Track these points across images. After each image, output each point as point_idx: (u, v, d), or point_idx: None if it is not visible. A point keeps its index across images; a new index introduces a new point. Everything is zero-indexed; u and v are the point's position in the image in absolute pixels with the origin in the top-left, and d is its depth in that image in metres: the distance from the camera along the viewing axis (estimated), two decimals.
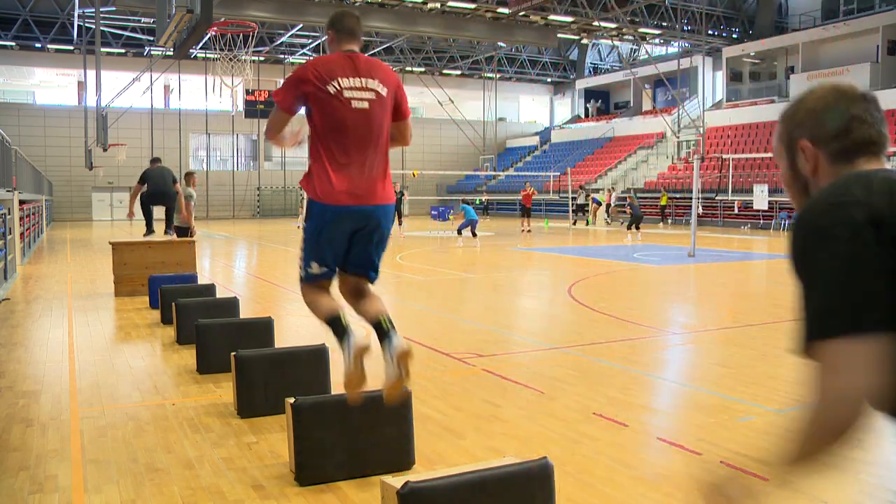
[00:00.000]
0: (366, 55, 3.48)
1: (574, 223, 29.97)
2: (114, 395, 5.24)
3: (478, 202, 39.34)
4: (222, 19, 23.15)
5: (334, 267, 3.41)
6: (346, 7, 28.45)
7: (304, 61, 30.30)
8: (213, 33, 21.36)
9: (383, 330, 3.25)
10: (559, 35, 35.09)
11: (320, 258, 3.35)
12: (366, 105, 3.29)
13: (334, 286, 3.41)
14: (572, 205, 30.75)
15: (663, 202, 32.32)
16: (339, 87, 3.24)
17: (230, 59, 21.76)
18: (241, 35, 21.77)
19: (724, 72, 37.77)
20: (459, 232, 20.34)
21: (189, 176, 11.90)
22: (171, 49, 15.51)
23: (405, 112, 3.49)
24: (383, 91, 3.35)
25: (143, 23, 34.05)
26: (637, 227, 21.22)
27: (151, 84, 36.39)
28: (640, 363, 6.23)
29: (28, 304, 9.60)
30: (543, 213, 35.53)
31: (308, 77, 3.26)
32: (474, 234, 19.99)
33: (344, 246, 3.36)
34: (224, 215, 40.55)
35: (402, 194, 24.39)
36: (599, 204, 32.64)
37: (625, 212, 26.73)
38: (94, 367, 6.07)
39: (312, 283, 3.39)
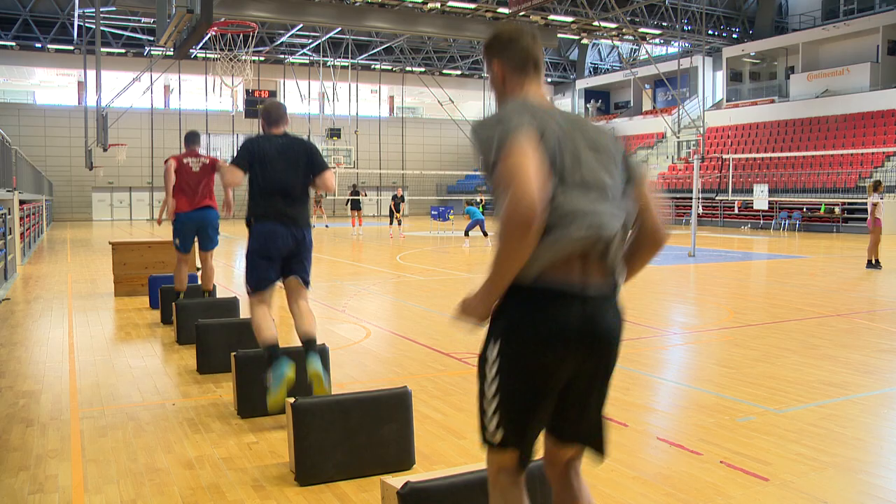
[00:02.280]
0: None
1: None
2: (114, 395, 5.24)
3: (477, 201, 39.36)
4: (222, 19, 23.14)
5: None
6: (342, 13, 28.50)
7: (304, 61, 30.44)
8: (214, 33, 21.37)
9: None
10: (559, 35, 35.06)
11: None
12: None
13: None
14: None
15: None
16: None
17: (230, 59, 21.76)
18: (241, 35, 21.78)
19: (724, 72, 37.77)
20: (466, 233, 20.30)
21: None
22: (172, 49, 15.51)
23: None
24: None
25: (143, 23, 34.03)
26: None
27: (151, 84, 36.40)
28: (640, 363, 6.23)
29: (28, 304, 9.60)
30: None
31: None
32: (485, 234, 20.00)
33: None
34: (224, 215, 40.55)
35: (403, 199, 24.39)
36: None
37: None
38: (94, 367, 6.08)
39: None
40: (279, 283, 4.62)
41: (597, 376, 2.21)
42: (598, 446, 2.23)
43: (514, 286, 2.01)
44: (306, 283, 4.64)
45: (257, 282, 4.51)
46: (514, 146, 1.92)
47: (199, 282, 7.92)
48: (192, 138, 7.72)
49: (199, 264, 9.97)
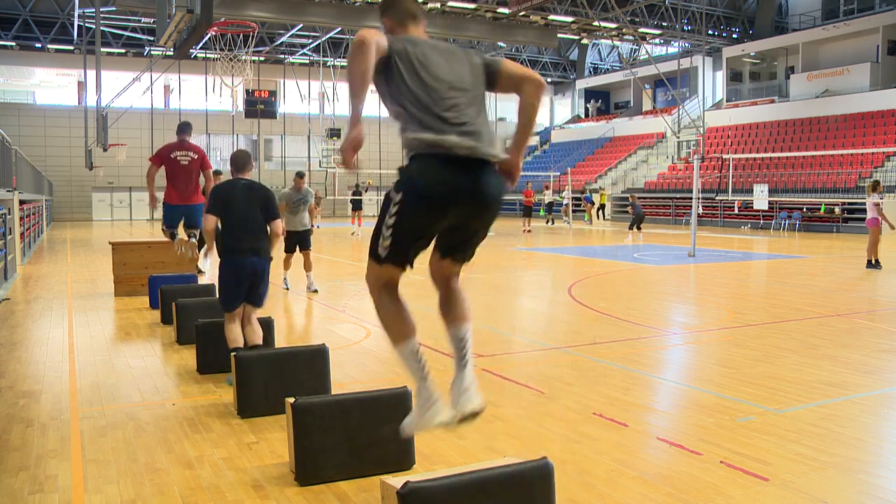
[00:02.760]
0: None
1: (548, 222, 30.36)
2: (114, 395, 5.24)
3: None
4: (222, 19, 23.14)
5: None
6: (344, 11, 28.46)
7: (304, 61, 30.45)
8: (213, 33, 21.37)
9: None
10: (559, 35, 35.07)
11: None
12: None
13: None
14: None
15: (602, 201, 33.12)
16: None
17: (230, 59, 21.76)
18: (241, 35, 21.78)
19: (724, 72, 37.78)
20: None
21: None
22: (172, 49, 15.51)
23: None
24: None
25: (143, 23, 34.03)
26: (638, 227, 21.23)
27: (151, 84, 36.40)
28: (640, 363, 6.23)
29: (28, 304, 9.60)
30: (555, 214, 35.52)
31: None
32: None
33: None
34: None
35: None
36: (592, 203, 32.92)
37: (627, 211, 26.78)
38: (94, 367, 6.08)
39: None
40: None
41: (481, 224, 2.98)
42: (469, 259, 3.15)
43: (414, 153, 2.75)
44: (259, 305, 5.60)
45: (230, 303, 5.43)
46: (368, 33, 2.65)
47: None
48: (182, 128, 8.16)
49: (199, 266, 10.04)
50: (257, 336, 5.51)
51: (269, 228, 5.53)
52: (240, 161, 5.67)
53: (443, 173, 2.72)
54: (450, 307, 3.19)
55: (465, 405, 2.92)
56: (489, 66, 3.01)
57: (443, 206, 2.76)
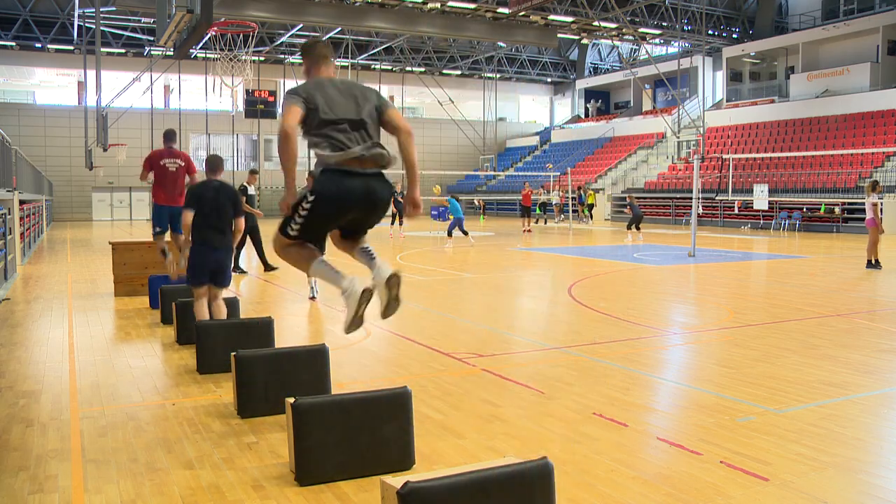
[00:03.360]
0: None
1: (537, 222, 30.39)
2: (114, 395, 5.24)
3: (475, 202, 39.47)
4: (222, 19, 23.15)
5: None
6: (343, 6, 28.46)
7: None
8: (213, 33, 21.36)
9: None
10: (559, 35, 35.08)
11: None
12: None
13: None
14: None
15: (591, 200, 33.25)
16: None
17: (230, 59, 21.75)
18: (241, 35, 21.77)
19: (724, 72, 37.79)
20: (449, 234, 20.10)
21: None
22: (172, 49, 15.51)
23: None
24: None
25: (143, 23, 34.05)
26: (637, 228, 21.23)
27: (151, 84, 36.41)
28: (640, 363, 6.23)
29: (28, 304, 9.60)
30: (549, 214, 35.54)
31: None
32: (465, 233, 19.78)
33: None
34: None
35: (402, 195, 24.34)
36: (583, 203, 33.06)
37: (624, 212, 26.82)
38: (94, 367, 6.08)
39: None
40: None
41: (370, 220, 3.82)
42: (363, 235, 3.95)
43: (324, 168, 3.60)
44: (222, 286, 6.63)
45: (198, 283, 6.47)
46: (288, 103, 3.57)
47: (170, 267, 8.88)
48: (168, 136, 8.89)
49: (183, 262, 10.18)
50: (221, 312, 6.59)
51: (233, 224, 6.54)
52: (213, 164, 6.72)
53: (344, 184, 3.57)
54: (356, 250, 3.94)
55: (382, 275, 3.65)
56: (378, 107, 3.77)
57: (343, 208, 3.64)
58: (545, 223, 30.45)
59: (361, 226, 3.87)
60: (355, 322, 3.66)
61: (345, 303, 3.65)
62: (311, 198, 3.58)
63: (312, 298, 9.60)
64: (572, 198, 32.51)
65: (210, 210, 6.44)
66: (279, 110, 39.70)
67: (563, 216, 33.99)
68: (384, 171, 3.74)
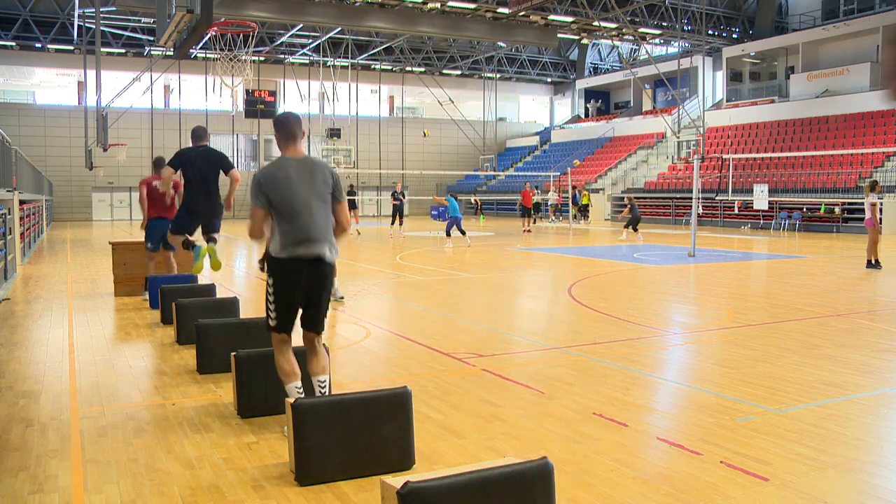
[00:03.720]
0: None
1: (534, 222, 30.33)
2: (114, 395, 5.24)
3: (472, 201, 39.46)
4: (222, 19, 23.15)
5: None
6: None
7: (304, 61, 30.32)
8: (213, 33, 21.36)
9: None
10: (559, 35, 35.08)
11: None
12: None
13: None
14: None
15: (584, 201, 33.27)
16: None
17: (230, 59, 21.75)
18: (241, 35, 21.77)
19: (724, 72, 37.78)
20: (448, 234, 19.97)
21: None
22: (172, 49, 15.51)
23: None
24: None
25: (143, 23, 34.04)
26: (635, 229, 21.25)
27: (151, 84, 36.40)
28: (640, 363, 6.23)
29: (28, 304, 9.60)
30: (543, 214, 35.55)
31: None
32: (463, 232, 19.67)
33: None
34: (224, 215, 40.56)
35: (403, 195, 24.35)
36: (576, 203, 33.09)
37: (622, 212, 26.83)
38: (94, 367, 6.08)
39: None
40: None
41: (320, 300, 4.29)
42: (320, 330, 4.41)
43: (275, 257, 4.19)
44: (213, 231, 8.18)
45: (179, 230, 8.10)
46: (253, 201, 4.22)
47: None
48: (157, 163, 9.74)
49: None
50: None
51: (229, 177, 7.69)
52: (197, 133, 8.00)
53: (292, 271, 4.16)
54: (311, 362, 4.35)
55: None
56: (332, 191, 4.29)
57: (293, 291, 4.20)
58: (534, 223, 30.29)
59: (313, 313, 4.39)
60: None
61: None
62: (270, 280, 4.41)
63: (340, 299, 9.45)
64: (566, 198, 32.57)
65: (198, 173, 7.72)
66: (278, 109, 39.84)
67: (560, 216, 34.02)
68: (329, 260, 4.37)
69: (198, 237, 8.28)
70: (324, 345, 4.41)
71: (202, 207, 8.03)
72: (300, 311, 4.27)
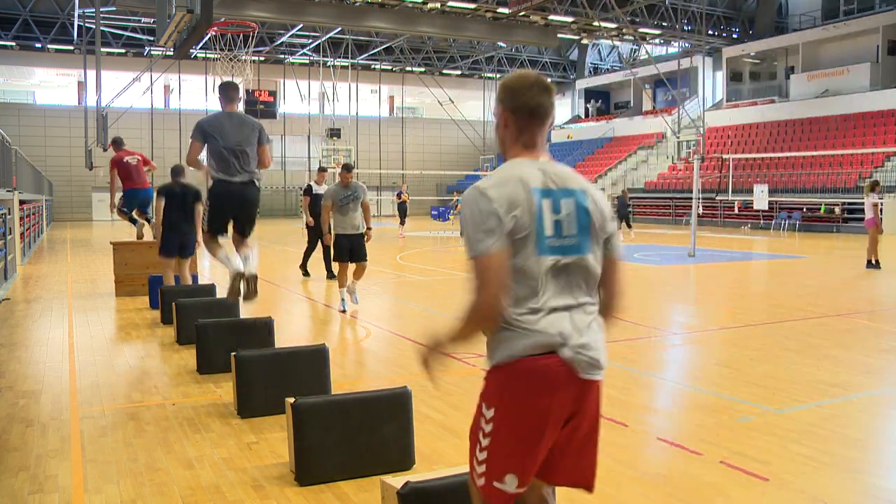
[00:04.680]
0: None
1: None
2: (114, 395, 5.24)
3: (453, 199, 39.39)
4: (222, 19, 23.14)
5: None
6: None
7: (304, 61, 30.35)
8: (214, 33, 21.38)
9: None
10: (559, 35, 35.08)
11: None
12: None
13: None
14: None
15: None
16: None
17: (230, 59, 21.76)
18: (241, 35, 21.79)
19: (724, 72, 37.77)
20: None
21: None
22: (172, 49, 15.51)
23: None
24: None
25: (144, 23, 34.04)
26: (629, 226, 21.30)
27: (152, 84, 36.38)
28: (640, 363, 6.23)
29: (28, 304, 9.60)
30: None
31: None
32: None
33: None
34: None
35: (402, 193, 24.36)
36: None
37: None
38: (94, 367, 6.08)
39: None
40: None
41: (249, 214, 6.28)
42: (248, 233, 6.23)
43: (215, 180, 6.02)
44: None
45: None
46: (192, 158, 6.13)
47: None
48: (117, 142, 10.91)
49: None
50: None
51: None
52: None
53: (228, 190, 5.85)
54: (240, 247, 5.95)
55: (248, 267, 5.79)
56: (259, 136, 6.03)
57: (227, 205, 5.86)
58: None
59: (243, 222, 6.02)
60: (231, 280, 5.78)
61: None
62: (208, 202, 6.11)
63: (342, 311, 8.65)
64: None
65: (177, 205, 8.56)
66: (278, 109, 39.85)
67: None
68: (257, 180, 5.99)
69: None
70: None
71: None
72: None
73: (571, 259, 2.17)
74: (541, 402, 2.11)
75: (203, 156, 6.10)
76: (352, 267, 8.57)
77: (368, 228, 8.49)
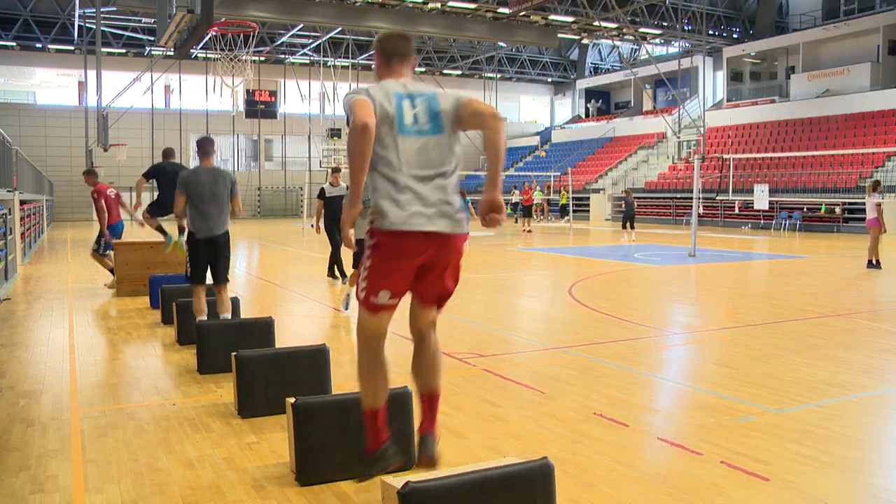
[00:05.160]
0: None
1: (516, 221, 29.98)
2: (114, 395, 5.24)
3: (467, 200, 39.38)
4: (223, 19, 23.15)
5: None
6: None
7: (304, 61, 30.42)
8: (214, 33, 21.38)
9: None
10: (560, 35, 35.08)
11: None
12: None
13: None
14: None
15: (563, 201, 33.38)
16: None
17: (230, 59, 21.77)
18: (242, 35, 21.79)
19: (725, 72, 37.77)
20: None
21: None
22: (172, 49, 15.53)
23: None
24: None
25: (144, 23, 34.05)
26: (632, 226, 21.27)
27: (152, 84, 36.41)
28: (640, 363, 6.23)
29: (29, 304, 9.60)
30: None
31: None
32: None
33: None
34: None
35: None
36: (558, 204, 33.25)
37: (621, 209, 26.88)
38: (95, 367, 6.08)
39: None
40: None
41: (223, 258, 6.54)
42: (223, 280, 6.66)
43: (191, 229, 6.42)
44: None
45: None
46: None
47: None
48: (91, 172, 10.96)
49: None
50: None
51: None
52: (167, 153, 9.22)
53: (206, 237, 6.36)
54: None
55: None
56: (231, 188, 6.41)
57: (205, 250, 6.24)
58: (515, 222, 30.05)
59: (218, 268, 6.44)
60: None
61: None
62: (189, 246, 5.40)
63: (346, 309, 8.59)
64: (547, 199, 32.74)
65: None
66: (279, 109, 39.86)
67: (550, 216, 34.03)
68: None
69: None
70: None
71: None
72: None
73: (427, 139, 3.05)
74: (404, 247, 3.07)
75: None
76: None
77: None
